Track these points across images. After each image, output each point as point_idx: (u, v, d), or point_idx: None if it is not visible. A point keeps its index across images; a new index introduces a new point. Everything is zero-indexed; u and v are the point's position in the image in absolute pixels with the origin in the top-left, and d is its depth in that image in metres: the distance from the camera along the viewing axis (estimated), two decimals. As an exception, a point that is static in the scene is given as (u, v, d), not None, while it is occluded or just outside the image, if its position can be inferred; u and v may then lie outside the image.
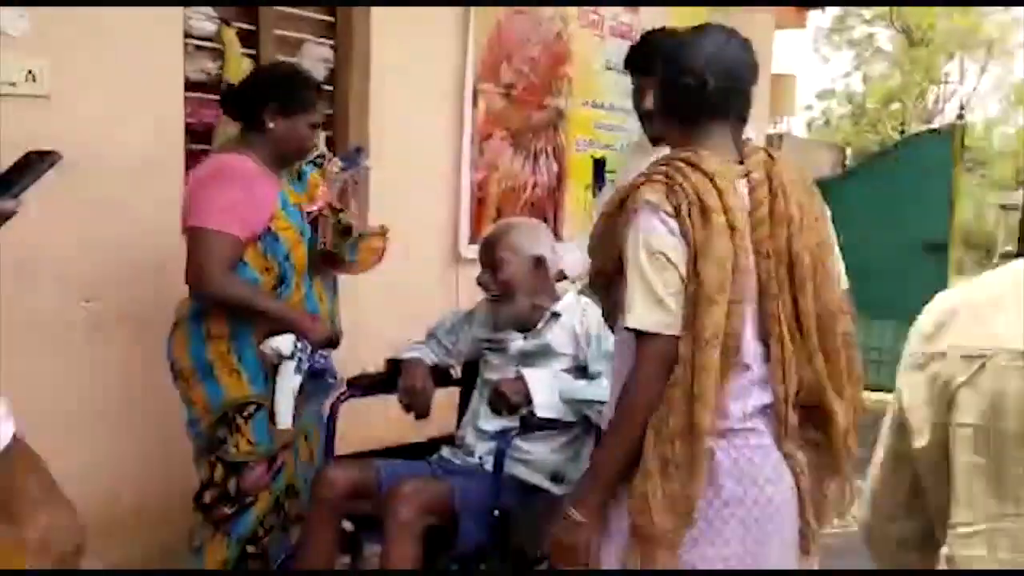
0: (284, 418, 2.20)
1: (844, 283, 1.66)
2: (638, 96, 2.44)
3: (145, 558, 2.70)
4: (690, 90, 1.57)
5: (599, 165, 4.44)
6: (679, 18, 4.74)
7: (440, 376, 2.37)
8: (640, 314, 1.45)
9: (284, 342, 2.19)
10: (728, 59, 1.60)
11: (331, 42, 3.23)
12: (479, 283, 2.29)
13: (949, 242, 5.56)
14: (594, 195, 4.49)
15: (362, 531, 2.18)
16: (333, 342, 2.33)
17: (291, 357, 2.19)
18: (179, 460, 2.80)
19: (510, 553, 2.00)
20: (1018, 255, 5.67)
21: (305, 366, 2.22)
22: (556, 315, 2.25)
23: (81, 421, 2.55)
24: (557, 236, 4.16)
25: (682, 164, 1.53)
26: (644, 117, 2.45)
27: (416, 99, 3.40)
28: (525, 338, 2.28)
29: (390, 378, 2.32)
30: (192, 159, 2.82)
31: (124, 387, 2.63)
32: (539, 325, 2.26)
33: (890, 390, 4.09)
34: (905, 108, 23.19)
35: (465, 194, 3.70)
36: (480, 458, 2.23)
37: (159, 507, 2.76)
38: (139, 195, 2.60)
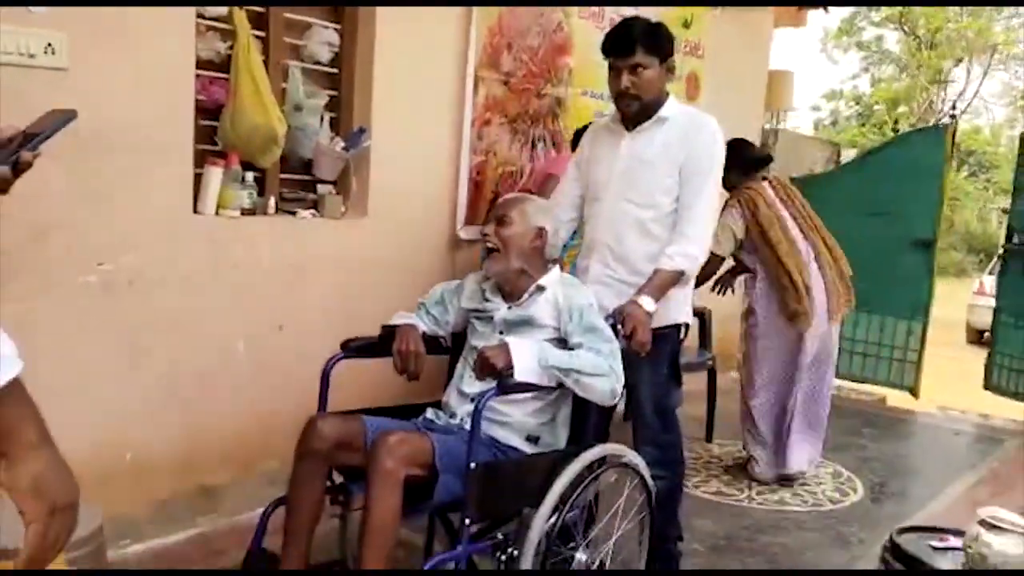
0: None
1: None
2: (614, 77, 2.60)
3: (144, 514, 2.84)
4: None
5: (596, 154, 4.58)
6: (678, 12, 4.87)
7: (430, 344, 2.48)
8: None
9: None
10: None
11: (337, 26, 3.35)
12: (482, 233, 2.44)
13: (936, 240, 5.65)
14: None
15: (350, 482, 2.30)
16: None
17: None
18: (184, 420, 2.96)
19: (486, 504, 2.13)
20: (1004, 253, 5.78)
21: None
22: (541, 288, 2.39)
23: (91, 378, 2.69)
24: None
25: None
26: (620, 96, 2.61)
27: (419, 84, 3.52)
28: (510, 308, 2.41)
29: (383, 342, 2.43)
30: (201, 135, 2.97)
31: (133, 346, 2.77)
32: (524, 297, 2.39)
33: (873, 382, 4.52)
34: (911, 110, 23.20)
35: (463, 178, 3.81)
36: (461, 419, 2.35)
37: (162, 464, 2.90)
38: (151, 166, 2.74)
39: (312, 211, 3.29)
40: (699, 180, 2.58)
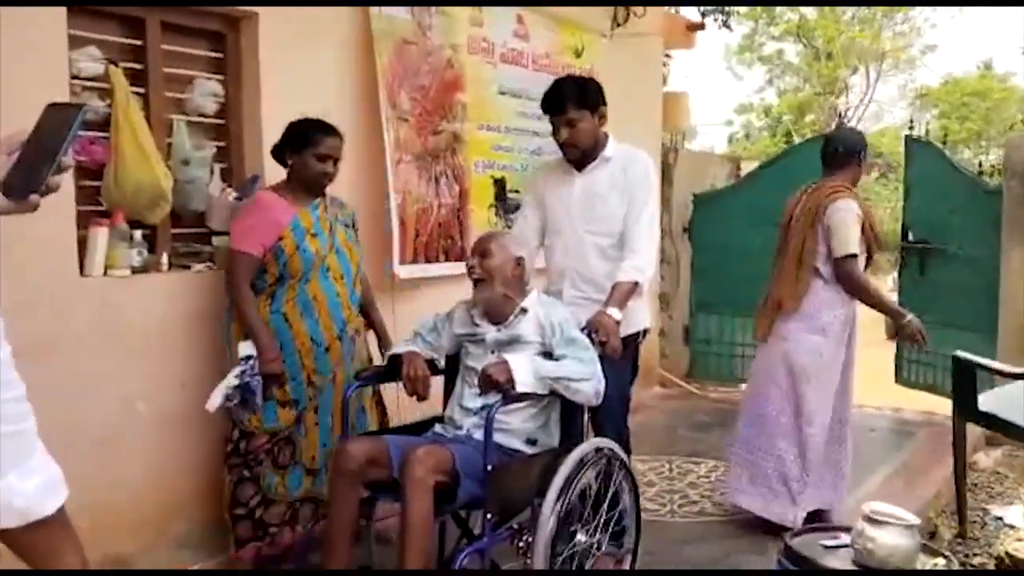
0: (211, 402, 2.84)
1: (840, 251, 3.42)
2: (555, 131, 3.03)
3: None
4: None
5: (500, 185, 4.63)
6: (570, 42, 4.99)
7: (428, 367, 2.78)
8: None
9: (244, 348, 2.85)
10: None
11: (220, 77, 3.34)
12: (467, 266, 2.76)
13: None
14: (498, 214, 4.67)
15: (377, 494, 2.61)
16: (279, 379, 2.91)
17: (243, 361, 2.84)
18: (87, 488, 2.83)
19: (503, 500, 2.47)
20: (901, 251, 6.01)
21: (245, 379, 2.83)
22: (524, 310, 2.72)
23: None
24: (464, 253, 4.31)
25: None
26: (562, 146, 3.06)
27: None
28: (498, 329, 2.72)
29: (390, 370, 2.78)
30: (84, 196, 2.92)
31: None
32: (510, 319, 2.71)
33: None
34: (817, 118, 24.06)
35: (394, 216, 3.82)
36: (467, 430, 2.67)
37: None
38: (32, 232, 2.66)
39: (208, 263, 3.25)
40: (639, 205, 2.98)
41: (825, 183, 3.54)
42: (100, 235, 2.89)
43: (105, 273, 2.91)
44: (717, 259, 6.26)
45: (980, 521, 4.04)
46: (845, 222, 3.37)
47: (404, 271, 3.88)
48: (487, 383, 2.48)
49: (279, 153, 3.03)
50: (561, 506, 2.46)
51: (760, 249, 5.94)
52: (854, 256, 3.39)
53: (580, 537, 2.60)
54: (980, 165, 6.27)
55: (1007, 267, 5.17)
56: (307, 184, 2.99)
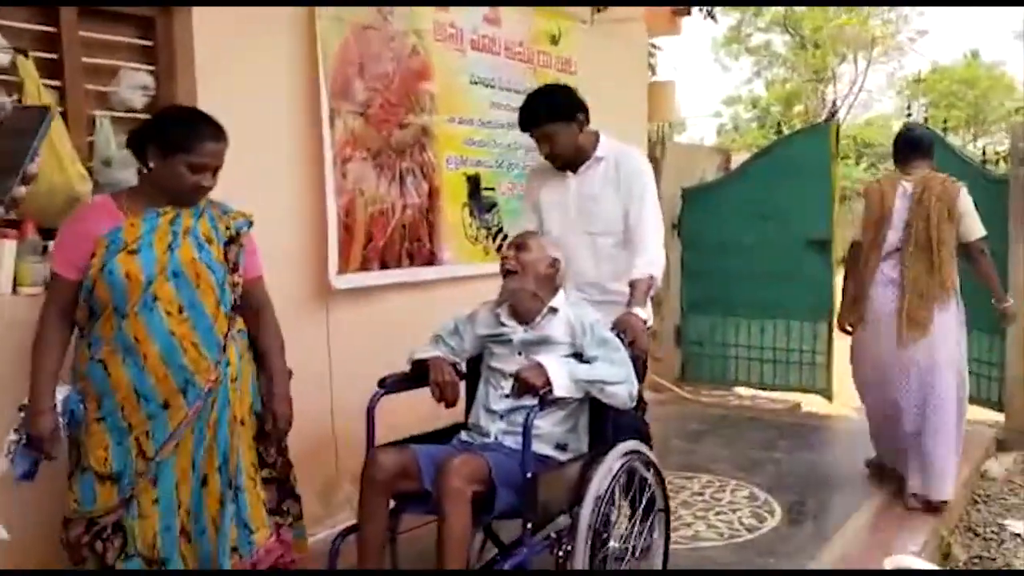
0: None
1: (977, 233, 3.65)
2: (537, 144, 3.03)
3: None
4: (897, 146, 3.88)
5: (474, 182, 4.30)
6: (545, 28, 4.65)
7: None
8: None
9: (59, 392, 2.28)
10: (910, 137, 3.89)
11: (151, 68, 3.00)
12: (502, 256, 2.78)
13: (832, 238, 5.55)
14: (472, 214, 4.34)
15: (406, 504, 2.56)
16: (43, 448, 2.24)
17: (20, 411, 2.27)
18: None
19: (542, 509, 2.42)
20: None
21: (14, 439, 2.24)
22: (553, 310, 2.68)
23: None
24: (434, 256, 3.99)
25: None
26: (548, 158, 3.05)
27: (257, 123, 3.16)
28: (526, 330, 2.69)
29: (414, 376, 2.71)
30: (-11, 203, 2.57)
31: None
32: (538, 319, 2.68)
33: (785, 388, 4.46)
34: (806, 108, 23.78)
35: (332, 222, 3.48)
36: (495, 436, 2.63)
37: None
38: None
39: (139, 276, 2.90)
40: (638, 201, 2.97)
41: (934, 174, 3.72)
42: (7, 248, 2.56)
43: (14, 291, 2.58)
44: (709, 256, 5.97)
45: (996, 538, 3.74)
46: (970, 206, 3.62)
47: (342, 281, 3.52)
48: (523, 387, 2.45)
49: (139, 147, 2.30)
50: (599, 513, 2.45)
51: (754, 245, 5.70)
52: (986, 238, 3.64)
53: (613, 544, 2.58)
54: (984, 153, 5.98)
55: (1015, 260, 4.87)
56: (171, 197, 2.30)
